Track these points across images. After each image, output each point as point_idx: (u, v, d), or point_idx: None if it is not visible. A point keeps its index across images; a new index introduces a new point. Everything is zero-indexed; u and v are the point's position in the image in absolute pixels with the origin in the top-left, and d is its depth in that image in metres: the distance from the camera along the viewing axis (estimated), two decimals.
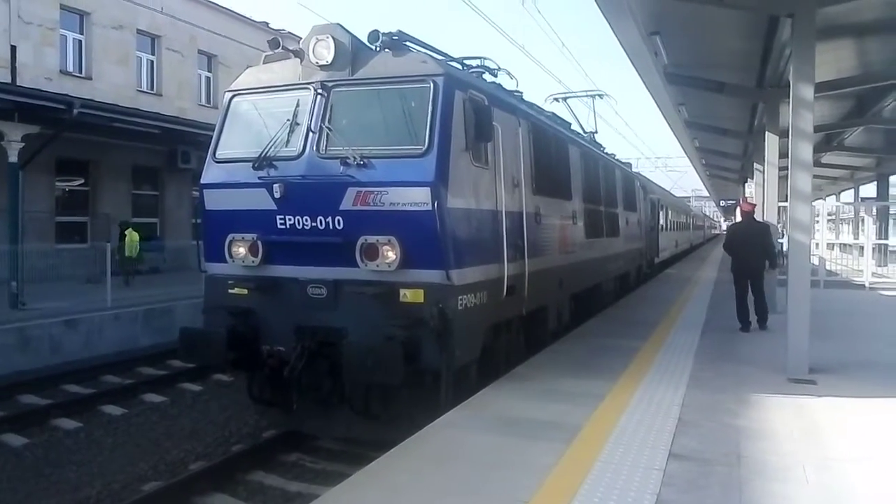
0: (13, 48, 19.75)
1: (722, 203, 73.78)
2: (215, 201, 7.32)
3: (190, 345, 7.19)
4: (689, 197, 75.49)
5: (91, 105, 15.23)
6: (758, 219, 12.07)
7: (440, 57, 7.41)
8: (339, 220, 6.56)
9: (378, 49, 6.88)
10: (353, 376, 6.34)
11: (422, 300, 6.34)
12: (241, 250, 7.08)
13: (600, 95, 16.33)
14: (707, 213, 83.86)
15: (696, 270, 25.54)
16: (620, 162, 17.96)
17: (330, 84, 6.91)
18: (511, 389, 6.97)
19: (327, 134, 6.75)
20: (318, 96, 6.90)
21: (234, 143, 7.37)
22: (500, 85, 8.75)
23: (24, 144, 14.42)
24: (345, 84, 6.89)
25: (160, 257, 21.23)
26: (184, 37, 25.24)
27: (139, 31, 24.11)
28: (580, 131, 14.76)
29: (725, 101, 16.28)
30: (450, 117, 6.55)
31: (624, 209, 16.16)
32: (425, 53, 7.02)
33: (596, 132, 16.08)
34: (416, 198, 6.28)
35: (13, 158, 14.29)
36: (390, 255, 6.38)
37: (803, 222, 7.98)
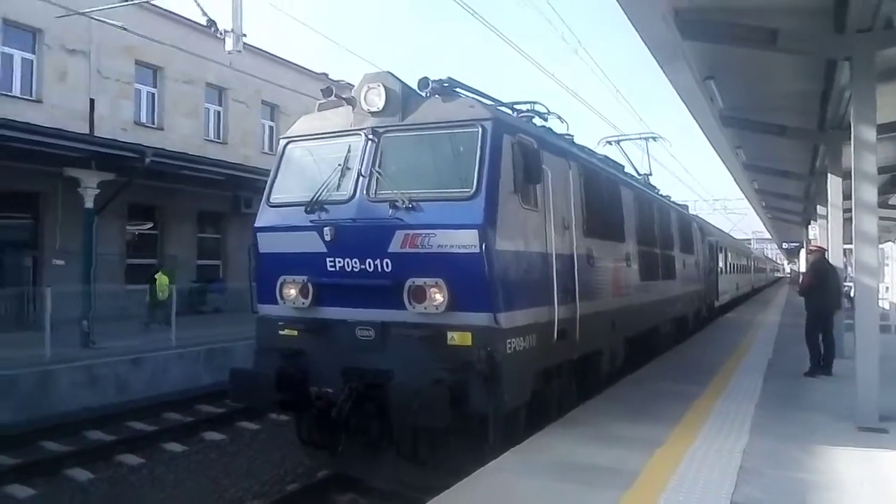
0: (92, 101, 21.00)
1: (784, 245, 71.60)
2: (268, 244, 7.45)
3: (239, 386, 7.28)
4: (750, 239, 73.57)
5: (162, 154, 16.05)
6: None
7: (489, 102, 7.50)
8: (387, 263, 6.59)
9: (427, 95, 6.99)
10: (399, 419, 6.31)
11: (469, 343, 6.29)
12: (293, 292, 7.16)
13: (654, 138, 16.24)
14: (769, 256, 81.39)
15: (759, 314, 24.78)
16: (676, 204, 17.69)
17: (381, 130, 7.03)
18: (564, 434, 6.89)
19: (377, 178, 6.85)
20: (369, 142, 7.03)
21: (288, 188, 7.52)
22: (549, 129, 8.77)
23: (99, 191, 15.22)
24: (395, 129, 7.01)
25: (222, 298, 21.85)
26: (249, 89, 26.37)
27: (208, 84, 25.34)
28: (634, 174, 14.67)
29: (785, 143, 15.96)
30: (498, 160, 6.59)
31: (681, 251, 15.88)
32: (474, 98, 7.09)
33: (650, 174, 15.94)
34: (464, 240, 6.29)
35: (89, 204, 15.09)
36: (438, 297, 6.37)
37: (870, 265, 7.75)
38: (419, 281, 6.42)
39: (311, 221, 7.00)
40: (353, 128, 7.21)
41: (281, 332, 7.24)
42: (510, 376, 6.37)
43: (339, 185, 7.04)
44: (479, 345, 6.23)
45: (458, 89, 7.15)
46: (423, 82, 6.98)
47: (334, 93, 7.46)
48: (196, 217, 23.12)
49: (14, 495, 7.81)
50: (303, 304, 7.10)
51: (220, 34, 12.14)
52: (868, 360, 7.57)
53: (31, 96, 19.79)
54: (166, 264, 20.97)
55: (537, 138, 7.48)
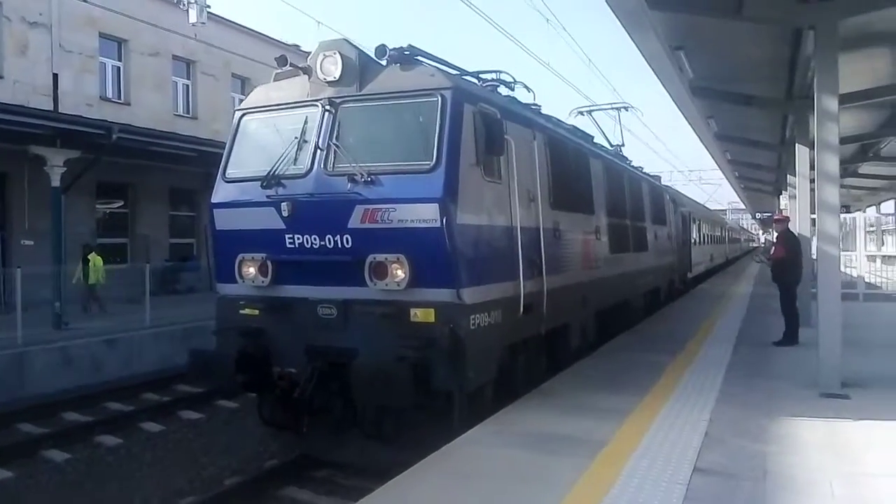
0: (55, 76, 20.50)
1: (758, 215, 72.62)
2: (225, 221, 7.29)
3: (199, 367, 7.18)
4: (725, 210, 74.42)
5: (129, 130, 15.77)
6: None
7: (452, 71, 7.36)
8: (347, 239, 6.47)
9: (386, 64, 6.82)
10: (362, 398, 6.26)
11: (433, 320, 6.20)
12: (251, 270, 7.02)
13: (626, 108, 16.15)
14: (744, 226, 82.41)
15: (732, 285, 25.20)
16: (649, 175, 17.61)
17: (337, 100, 6.84)
18: (537, 406, 7.02)
19: (335, 151, 6.68)
20: (326, 113, 6.85)
21: (244, 162, 7.32)
22: (514, 98, 8.59)
23: (65, 169, 14.96)
24: (352, 100, 6.81)
25: (196, 277, 21.69)
26: (218, 61, 25.88)
27: (175, 57, 24.83)
28: (606, 145, 14.62)
29: (755, 113, 16.13)
30: (459, 131, 6.42)
31: (652, 223, 15.80)
32: (434, 67, 6.90)
33: (623, 145, 15.87)
34: (425, 214, 6.15)
35: (55, 183, 14.84)
36: (399, 273, 6.26)
37: (831, 234, 7.91)
38: (380, 257, 6.32)
39: (267, 197, 6.83)
40: (309, 98, 7.01)
41: (241, 312, 7.12)
42: (475, 353, 6.30)
43: (296, 159, 6.86)
44: (442, 321, 6.15)
45: (419, 57, 6.94)
46: (381, 50, 6.81)
47: (289, 62, 7.20)
48: (168, 195, 22.82)
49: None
50: (262, 282, 6.96)
51: (184, 5, 11.93)
52: (830, 328, 7.77)
53: None
54: (137, 244, 20.75)
55: (500, 108, 7.27)
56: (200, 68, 25.83)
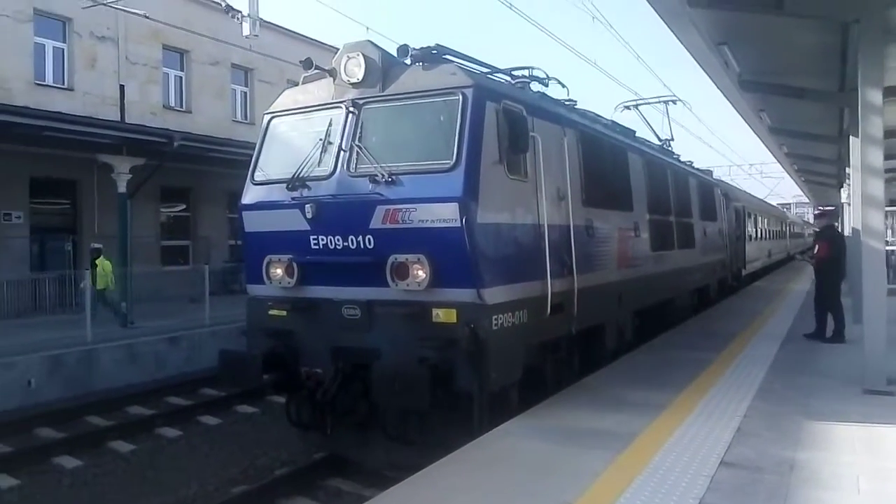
0: (122, 87, 21.58)
1: (820, 208, 70.05)
2: (253, 223, 7.37)
3: (228, 368, 7.23)
4: (789, 203, 72.11)
5: (190, 137, 16.58)
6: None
7: (482, 68, 7.33)
8: (369, 239, 6.48)
9: (410, 63, 6.81)
10: (380, 400, 6.26)
11: (454, 320, 6.16)
12: (279, 271, 7.08)
13: (673, 101, 15.75)
14: (808, 220, 79.69)
15: (790, 282, 24.55)
16: (698, 169, 17.12)
17: (361, 101, 6.86)
18: (574, 400, 7.17)
19: (357, 152, 6.69)
20: (350, 114, 6.87)
21: (272, 165, 7.40)
22: (544, 94, 8.44)
23: (131, 176, 15.79)
24: (375, 101, 6.83)
25: None
26: (274, 69, 26.65)
27: (233, 66, 25.75)
28: (655, 139, 14.35)
29: (809, 105, 15.74)
30: (480, 129, 6.37)
31: (701, 219, 15.44)
32: (458, 65, 6.84)
33: (671, 140, 15.49)
34: (445, 214, 6.13)
35: (122, 189, 15.70)
36: (420, 273, 6.24)
37: (877, 229, 7.79)
38: (401, 257, 6.31)
39: (292, 199, 6.91)
40: (334, 100, 7.06)
41: (270, 313, 7.20)
42: (497, 354, 6.25)
43: (320, 161, 6.92)
44: (463, 322, 6.11)
45: (447, 56, 6.93)
46: (403, 49, 6.82)
47: (314, 64, 7.20)
48: (227, 198, 23.68)
49: (63, 466, 8.39)
50: (289, 283, 7.03)
51: (238, 19, 12.47)
52: (876, 324, 7.65)
53: (63, 84, 20.43)
54: (199, 246, 21.61)
55: (526, 104, 7.21)
56: (257, 76, 26.69)
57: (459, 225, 6.04)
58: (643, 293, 10.72)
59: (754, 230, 25.33)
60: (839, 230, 11.46)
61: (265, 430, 9.87)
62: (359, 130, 6.80)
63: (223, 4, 12.68)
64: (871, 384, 7.48)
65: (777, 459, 5.24)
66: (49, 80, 20.20)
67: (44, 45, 20.15)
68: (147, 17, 16.27)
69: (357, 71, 6.89)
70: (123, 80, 21.72)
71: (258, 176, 7.50)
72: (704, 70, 13.08)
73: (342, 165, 6.77)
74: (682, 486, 4.73)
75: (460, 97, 6.39)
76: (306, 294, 7.02)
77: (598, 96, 24.35)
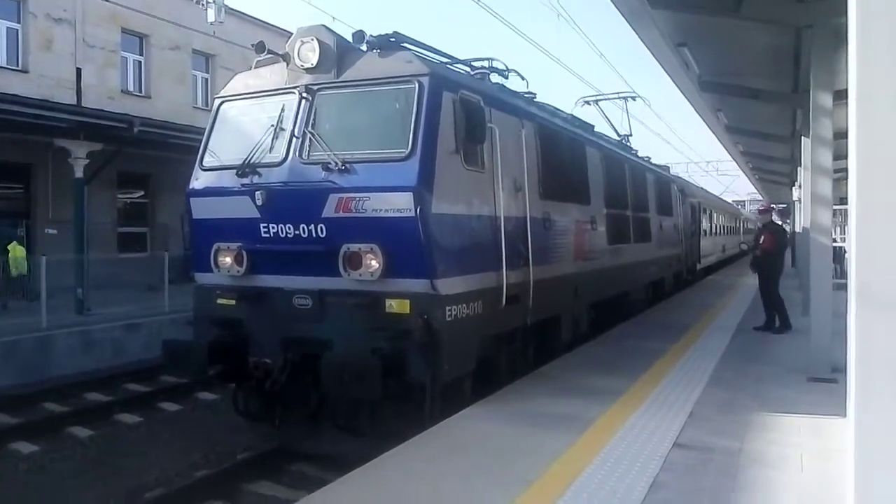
0: (78, 70, 21.08)
1: (773, 206, 72.06)
2: (201, 210, 7.22)
3: (172, 357, 7.11)
4: (744, 201, 73.93)
5: (149, 123, 16.26)
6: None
7: (441, 58, 7.31)
8: (321, 228, 6.39)
9: (366, 50, 6.73)
10: (331, 390, 6.18)
11: (408, 311, 6.11)
12: (227, 260, 6.96)
13: (632, 97, 16.05)
14: None
15: (742, 276, 25.24)
16: (655, 165, 17.39)
17: (314, 87, 6.73)
18: (533, 387, 7.36)
19: (310, 139, 6.59)
20: (303, 100, 6.74)
21: (222, 151, 7.24)
22: (503, 86, 8.41)
23: (88, 161, 15.48)
24: (329, 87, 6.71)
25: None
26: (236, 55, 26.32)
27: (194, 51, 25.35)
28: (613, 135, 14.59)
29: (763, 106, 16.26)
30: (436, 119, 6.31)
31: (658, 213, 15.66)
32: (415, 53, 6.75)
33: (630, 135, 15.78)
34: (399, 203, 6.06)
35: (79, 174, 15.37)
36: (373, 263, 6.18)
37: (824, 225, 8.17)
38: (354, 247, 6.24)
39: (242, 185, 6.77)
40: (287, 86, 6.92)
41: (218, 301, 7.07)
42: (450, 344, 6.22)
43: (272, 147, 6.79)
44: (416, 312, 6.07)
45: (405, 44, 6.85)
46: (359, 35, 6.73)
47: (267, 48, 7.06)
48: (187, 185, 23.32)
49: (19, 451, 8.27)
50: (237, 272, 6.92)
51: (203, 4, 12.33)
52: (822, 316, 8.03)
53: (17, 66, 19.89)
54: (157, 233, 21.27)
55: (484, 95, 7.17)
56: (219, 62, 26.31)
57: (413, 215, 5.98)
58: (599, 286, 10.79)
59: (709, 225, 26.02)
60: (780, 226, 12.00)
61: (227, 416, 9.81)
62: (312, 117, 6.69)
63: None
64: (815, 372, 7.84)
65: (727, 441, 5.50)
66: (2, 61, 19.63)
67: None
68: (107, 0, 15.91)
69: (311, 56, 6.75)
70: (80, 63, 21.22)
71: (207, 161, 7.34)
72: (665, 70, 13.41)
73: (294, 152, 6.65)
74: (638, 465, 4.94)
75: (416, 85, 6.31)
76: (256, 283, 6.90)
77: (561, 93, 24.76)
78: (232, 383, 7.42)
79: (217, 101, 7.58)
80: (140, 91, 23.62)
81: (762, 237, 11.43)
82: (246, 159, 6.81)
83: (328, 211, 6.34)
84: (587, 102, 15.24)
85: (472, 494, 4.52)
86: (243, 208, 6.76)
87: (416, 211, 5.97)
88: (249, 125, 7.15)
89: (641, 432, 5.73)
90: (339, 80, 6.68)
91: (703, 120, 19.65)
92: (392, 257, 6.15)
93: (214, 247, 7.03)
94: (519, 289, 7.48)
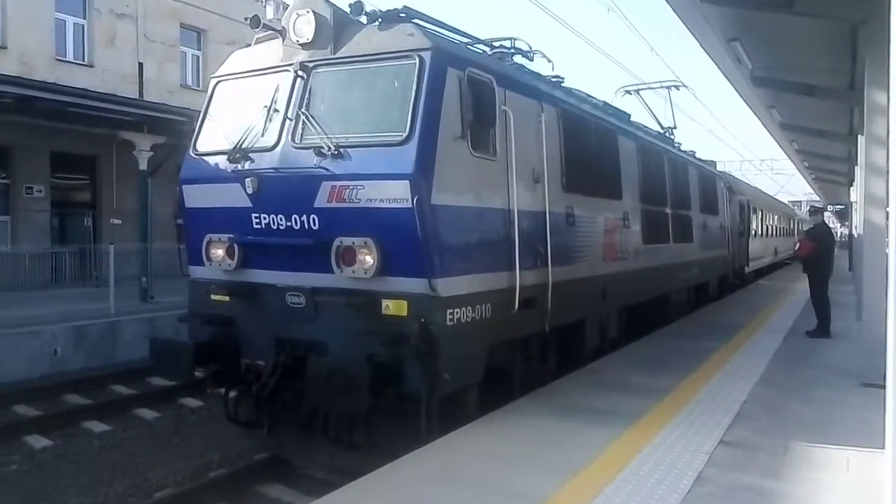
0: (140, 65, 21.90)
1: (830, 207, 70.02)
2: (194, 198, 6.71)
3: (158, 359, 6.71)
4: (800, 201, 72.01)
5: None
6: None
7: (458, 37, 6.77)
8: (314, 219, 5.86)
9: (366, 23, 6.17)
10: (316, 399, 5.75)
11: (405, 313, 5.56)
12: (219, 252, 6.46)
13: (676, 87, 15.15)
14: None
15: (796, 280, 24.56)
16: (700, 160, 16.31)
17: (310, 64, 6.17)
18: (580, 382, 7.52)
19: (303, 121, 6.03)
20: (298, 79, 6.18)
21: (215, 134, 6.71)
22: (520, 66, 7.70)
23: (152, 154, 16.13)
24: (325, 64, 6.14)
25: None
26: None
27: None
28: (657, 127, 13.95)
29: (819, 102, 15.95)
30: (438, 98, 5.67)
31: (701, 212, 14.77)
32: (417, 25, 6.04)
33: (674, 128, 14.89)
34: (395, 193, 5.49)
35: (143, 166, 16.03)
36: (367, 259, 5.62)
37: (879, 226, 8.09)
38: (348, 241, 5.69)
39: (233, 172, 6.27)
40: (282, 63, 6.37)
41: (212, 297, 6.61)
42: (452, 353, 5.64)
43: (264, 130, 6.27)
44: (414, 315, 5.53)
45: (416, 20, 6.14)
46: (357, 7, 6.21)
47: (262, 23, 6.50)
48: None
49: (92, 429, 8.81)
50: (229, 265, 6.42)
51: (262, 2, 12.72)
52: (875, 319, 7.95)
53: (83, 61, 20.75)
54: None
55: (497, 75, 6.49)
56: None
57: (410, 205, 5.40)
58: (632, 288, 10.09)
59: (760, 226, 24.87)
60: (828, 228, 11.81)
61: None
62: (306, 97, 6.13)
63: None
64: (867, 378, 7.78)
65: (773, 441, 5.59)
66: (69, 56, 20.52)
67: (64, 21, 20.44)
68: None
69: (306, 30, 6.15)
70: (142, 57, 22.03)
71: (201, 146, 6.85)
72: (717, 65, 13.30)
73: (287, 136, 6.11)
74: (684, 460, 5.08)
75: (417, 61, 5.70)
76: (248, 278, 6.42)
77: (609, 86, 24.45)
78: (224, 387, 6.75)
79: (213, 81, 7.10)
80: (198, 85, 24.31)
81: (798, 243, 11.32)
82: (237, 143, 6.31)
83: (321, 200, 5.80)
84: (628, 92, 14.46)
85: (520, 478, 4.72)
86: (235, 196, 6.26)
87: (413, 201, 5.40)
88: (244, 106, 6.58)
89: (688, 429, 5.86)
90: (336, 56, 6.11)
91: (757, 116, 19.34)
92: (388, 253, 5.61)
93: (206, 238, 6.55)
94: (536, 291, 6.88)
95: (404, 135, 5.56)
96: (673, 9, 10.22)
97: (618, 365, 8.50)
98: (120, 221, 17.34)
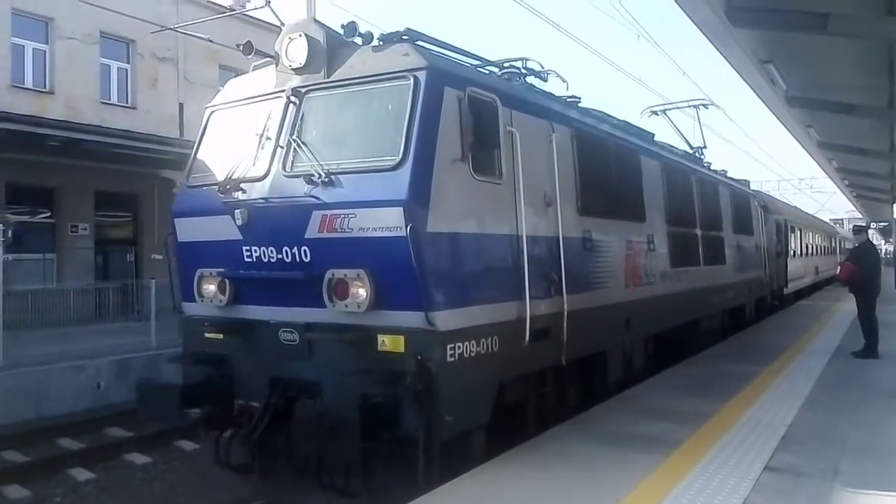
0: (181, 105, 22.58)
1: (873, 225, 68.29)
2: (186, 231, 6.48)
3: (144, 400, 6.39)
4: (842, 219, 70.47)
5: None
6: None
7: (470, 60, 6.59)
8: (305, 251, 5.57)
9: (361, 45, 5.95)
10: (303, 448, 5.33)
11: (402, 349, 5.22)
12: (211, 287, 6.19)
13: (705, 105, 14.57)
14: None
15: (840, 300, 23.92)
16: (733, 179, 15.78)
17: (303, 90, 5.95)
18: (620, 409, 7.38)
19: (294, 148, 5.78)
20: (290, 105, 5.96)
21: (209, 165, 6.50)
22: (530, 86, 7.43)
23: None
24: (317, 89, 5.92)
25: None
26: None
27: None
28: (686, 147, 13.66)
29: (857, 121, 15.74)
30: (435, 119, 5.39)
31: (734, 232, 14.16)
32: (413, 45, 5.76)
33: (704, 147, 14.48)
34: (388, 220, 5.17)
35: None
36: (361, 292, 5.29)
37: None
38: (340, 273, 5.37)
39: (223, 203, 5.98)
40: (276, 89, 6.15)
41: (206, 335, 6.33)
42: (453, 391, 5.26)
43: (255, 159, 6.00)
44: (411, 352, 5.18)
45: (419, 42, 5.91)
46: (351, 28, 6.01)
47: (254, 49, 6.23)
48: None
49: (133, 462, 8.94)
50: (221, 301, 6.13)
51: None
52: None
53: (126, 103, 21.49)
54: None
55: (501, 94, 6.17)
56: None
57: (404, 234, 5.07)
58: (659, 315, 9.51)
59: (798, 245, 24.13)
60: (873, 246, 11.48)
61: None
62: (298, 123, 5.90)
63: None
64: None
65: (821, 466, 5.40)
66: (114, 98, 21.29)
67: (109, 66, 21.24)
68: (211, 42, 17.06)
69: (299, 54, 5.92)
70: (182, 98, 22.72)
71: (193, 178, 6.64)
72: (751, 87, 13.27)
73: (278, 164, 5.85)
74: (728, 486, 4.94)
75: (412, 81, 5.42)
76: (241, 314, 6.12)
77: (638, 109, 24.35)
78: (218, 430, 6.31)
79: (207, 111, 6.90)
80: None
81: (839, 267, 11.06)
82: (228, 174, 6.06)
83: (311, 231, 5.52)
84: (654, 113, 14.07)
85: None
86: (225, 229, 6.00)
87: (406, 229, 5.06)
88: (237, 136, 6.36)
89: (732, 455, 5.70)
90: (329, 80, 5.87)
91: (793, 136, 19.15)
92: (382, 285, 5.28)
93: (198, 273, 6.29)
94: (549, 321, 6.46)
95: (398, 159, 5.27)
96: (704, 33, 10.26)
97: (657, 390, 8.34)
98: (161, 256, 17.65)
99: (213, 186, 6.14)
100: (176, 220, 6.56)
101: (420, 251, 5.09)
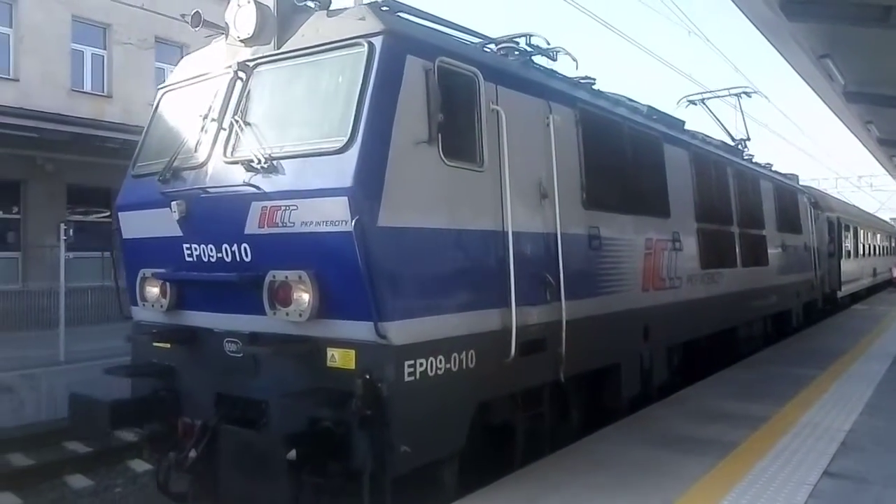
0: None
1: None
2: (130, 227, 5.79)
3: (75, 416, 5.72)
4: None
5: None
6: None
7: (471, 37, 5.88)
8: (245, 249, 4.86)
9: (315, 9, 5.22)
10: (229, 482, 4.68)
11: (353, 366, 4.48)
12: (154, 290, 5.54)
13: (747, 93, 13.64)
14: None
15: None
16: (778, 173, 14.58)
17: (250, 63, 5.23)
18: (671, 411, 7.28)
19: (236, 130, 5.05)
20: (237, 81, 5.24)
21: (155, 152, 5.80)
22: (527, 61, 6.43)
23: None
24: (266, 62, 5.19)
25: None
26: None
27: None
28: (728, 139, 12.97)
29: None
30: (392, 93, 4.59)
31: (779, 231, 13.06)
32: (371, 8, 4.95)
33: (748, 139, 13.56)
34: (331, 213, 4.42)
35: None
36: (304, 297, 4.55)
37: None
38: (280, 274, 4.65)
39: (162, 194, 5.29)
40: (225, 65, 5.44)
41: (155, 344, 5.61)
42: (411, 417, 4.49)
43: (197, 144, 5.33)
44: (361, 369, 4.44)
45: (401, 13, 5.22)
46: None
47: (202, 20, 5.66)
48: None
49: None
50: (161, 306, 5.49)
51: None
52: None
53: None
54: None
55: (484, 67, 5.33)
56: None
57: (349, 228, 4.33)
58: (686, 322, 8.50)
59: (854, 245, 22.85)
60: None
61: None
62: (243, 102, 5.18)
63: None
64: None
65: (882, 472, 5.24)
66: None
67: (163, 70, 21.80)
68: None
69: (247, 24, 5.13)
70: None
71: (139, 167, 5.95)
72: (807, 82, 12.89)
73: (220, 149, 5.15)
74: (785, 493, 4.83)
75: (366, 48, 4.65)
76: (185, 321, 5.46)
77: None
78: (162, 451, 5.58)
79: (159, 93, 6.22)
80: None
81: (892, 269, 10.59)
82: (170, 161, 5.37)
83: (251, 226, 4.80)
84: (692, 102, 13.13)
85: None
86: (165, 224, 5.30)
87: (352, 223, 4.32)
88: (183, 118, 5.71)
89: (789, 460, 5.56)
90: (279, 52, 5.15)
91: (852, 132, 18.54)
92: (328, 289, 4.54)
93: (140, 274, 5.66)
94: (544, 331, 5.68)
95: (345, 140, 4.48)
96: (759, 29, 10.03)
97: (709, 393, 8.19)
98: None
99: (154, 176, 5.52)
100: (119, 214, 5.95)
101: (368, 249, 4.32)
